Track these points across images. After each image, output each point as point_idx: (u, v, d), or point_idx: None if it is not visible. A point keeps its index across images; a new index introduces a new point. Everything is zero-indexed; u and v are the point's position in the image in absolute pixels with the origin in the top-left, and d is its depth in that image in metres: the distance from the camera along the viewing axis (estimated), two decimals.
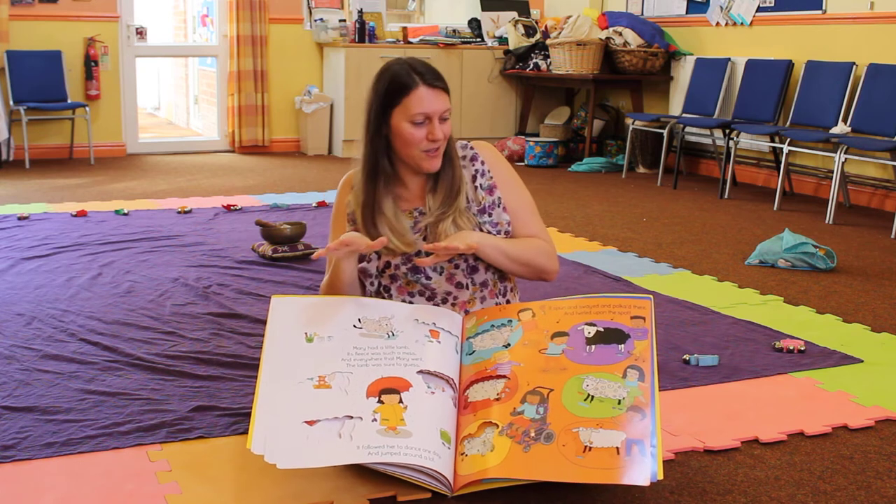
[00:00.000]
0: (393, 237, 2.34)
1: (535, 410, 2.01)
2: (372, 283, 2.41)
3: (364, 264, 2.39)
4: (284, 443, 1.92)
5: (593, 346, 2.11)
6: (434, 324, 2.23)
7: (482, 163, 2.44)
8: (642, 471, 1.86)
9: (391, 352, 2.13)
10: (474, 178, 2.42)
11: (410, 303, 2.38)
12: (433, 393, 2.06)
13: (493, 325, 2.26)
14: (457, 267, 2.38)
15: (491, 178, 2.44)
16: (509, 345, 2.18)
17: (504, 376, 2.11)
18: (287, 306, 2.23)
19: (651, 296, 2.21)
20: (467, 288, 2.40)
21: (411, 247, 2.36)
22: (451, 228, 2.34)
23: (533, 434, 1.95)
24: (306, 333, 2.15)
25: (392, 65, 2.35)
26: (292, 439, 1.93)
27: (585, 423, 1.95)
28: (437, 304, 2.39)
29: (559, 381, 2.05)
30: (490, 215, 2.41)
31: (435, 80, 2.31)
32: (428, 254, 2.32)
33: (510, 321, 2.25)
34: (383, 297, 2.40)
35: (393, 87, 2.30)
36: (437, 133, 2.29)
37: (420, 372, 2.10)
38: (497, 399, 2.06)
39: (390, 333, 2.18)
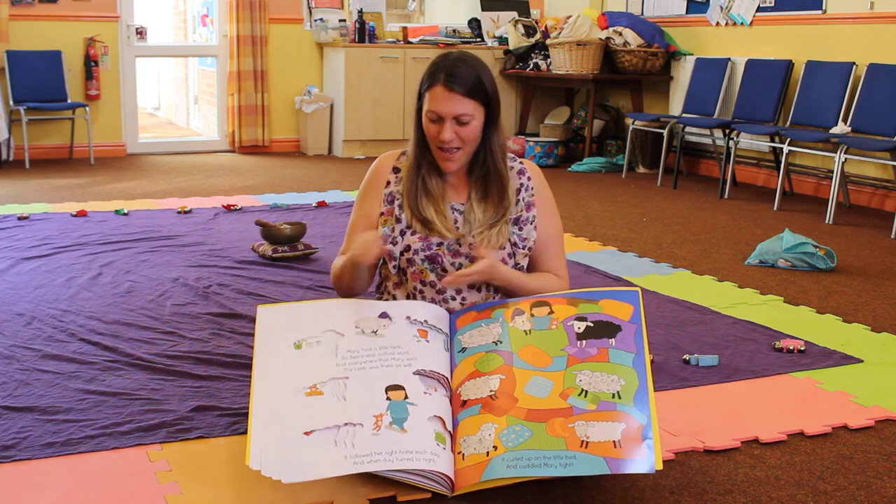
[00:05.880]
0: (436, 218, 2.38)
1: None
2: (395, 267, 2.43)
3: (390, 247, 2.40)
4: (282, 456, 1.91)
5: (584, 341, 2.11)
6: (425, 322, 2.23)
7: (528, 178, 2.49)
8: (641, 461, 1.86)
9: (385, 352, 2.13)
10: (518, 190, 2.46)
11: (421, 291, 2.40)
12: (428, 394, 2.06)
13: (482, 322, 2.26)
14: None
15: (532, 195, 2.48)
16: (500, 342, 2.18)
17: (497, 373, 2.10)
18: (273, 315, 2.22)
19: (638, 288, 2.23)
20: (480, 290, 2.42)
21: (452, 232, 2.39)
22: (494, 237, 2.38)
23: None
24: (295, 341, 2.15)
25: (440, 56, 2.37)
26: (290, 452, 1.92)
27: (582, 417, 1.95)
28: (447, 300, 2.39)
29: (553, 377, 2.05)
30: (521, 229, 2.45)
31: (455, 83, 2.29)
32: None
33: (498, 317, 2.25)
34: (401, 279, 2.42)
35: (424, 78, 2.37)
36: (445, 135, 2.31)
37: (416, 373, 2.09)
38: (492, 396, 2.06)
39: (381, 334, 2.17)
